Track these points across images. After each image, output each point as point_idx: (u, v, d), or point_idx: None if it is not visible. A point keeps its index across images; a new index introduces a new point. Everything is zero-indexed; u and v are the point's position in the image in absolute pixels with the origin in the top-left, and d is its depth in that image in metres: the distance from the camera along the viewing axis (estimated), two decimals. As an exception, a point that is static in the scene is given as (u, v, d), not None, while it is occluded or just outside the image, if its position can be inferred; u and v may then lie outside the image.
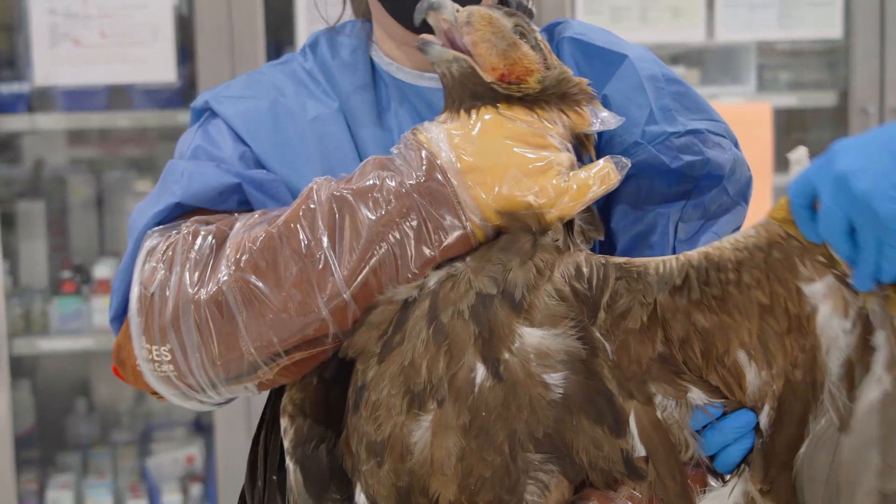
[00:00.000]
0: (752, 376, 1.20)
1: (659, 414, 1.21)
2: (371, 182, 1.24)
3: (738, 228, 1.44)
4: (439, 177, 1.21)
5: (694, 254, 1.21)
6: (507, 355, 1.18)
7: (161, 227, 1.35)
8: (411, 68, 1.50)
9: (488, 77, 1.22)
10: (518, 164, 1.21)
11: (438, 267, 1.23)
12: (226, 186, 1.39)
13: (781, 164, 3.35)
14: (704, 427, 1.22)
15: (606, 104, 1.39)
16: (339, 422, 1.32)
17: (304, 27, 3.07)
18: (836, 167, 1.07)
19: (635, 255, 1.35)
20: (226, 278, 1.24)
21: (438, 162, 1.21)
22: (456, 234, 1.21)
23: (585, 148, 1.29)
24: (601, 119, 1.28)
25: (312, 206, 1.26)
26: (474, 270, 1.21)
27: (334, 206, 1.24)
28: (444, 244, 1.21)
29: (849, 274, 1.14)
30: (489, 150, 1.22)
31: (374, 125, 1.49)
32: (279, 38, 3.18)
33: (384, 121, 1.50)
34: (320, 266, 1.22)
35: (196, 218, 1.35)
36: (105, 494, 3.21)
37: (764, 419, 1.20)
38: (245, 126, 1.47)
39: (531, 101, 1.23)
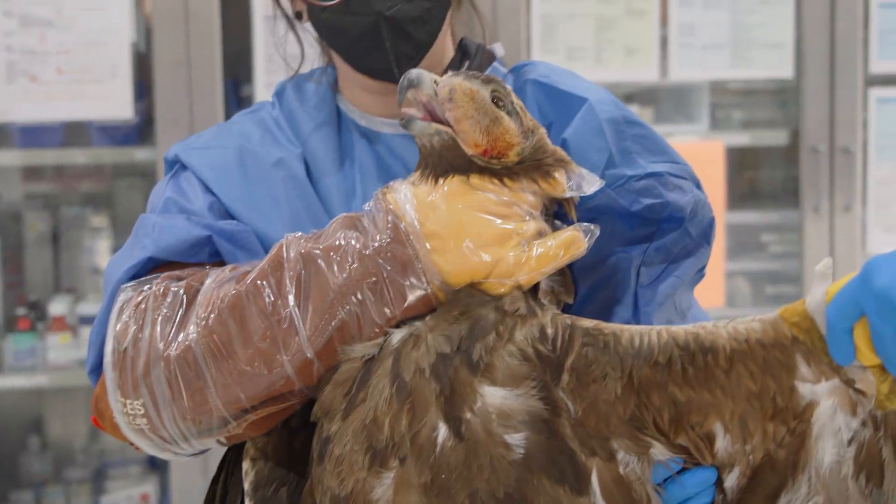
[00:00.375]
0: (724, 444, 1.19)
1: (621, 470, 1.20)
2: (337, 242, 1.24)
3: (702, 270, 1.45)
4: (403, 240, 1.21)
5: (681, 332, 1.19)
6: (468, 415, 1.18)
7: (134, 281, 1.35)
8: (374, 115, 1.51)
9: (470, 150, 1.21)
10: (478, 233, 1.20)
11: (400, 325, 1.22)
12: (196, 239, 1.39)
13: (734, 201, 3.40)
14: (665, 480, 1.21)
15: (566, 148, 1.37)
16: (300, 466, 1.31)
17: (262, 64, 3.08)
18: (876, 285, 1.06)
19: (598, 300, 1.38)
20: (195, 335, 1.24)
21: (402, 225, 1.21)
22: (417, 294, 1.21)
23: (567, 210, 1.28)
24: (576, 185, 1.26)
25: (280, 262, 1.25)
26: (432, 329, 1.20)
27: (301, 264, 1.24)
28: (406, 304, 1.21)
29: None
30: (452, 218, 1.21)
31: (336, 170, 1.50)
32: (237, 75, 3.18)
33: (346, 166, 1.51)
34: (285, 325, 1.22)
35: (168, 274, 1.36)
36: (58, 534, 3.19)
37: (732, 480, 1.20)
38: (212, 175, 1.47)
39: (501, 172, 1.23)
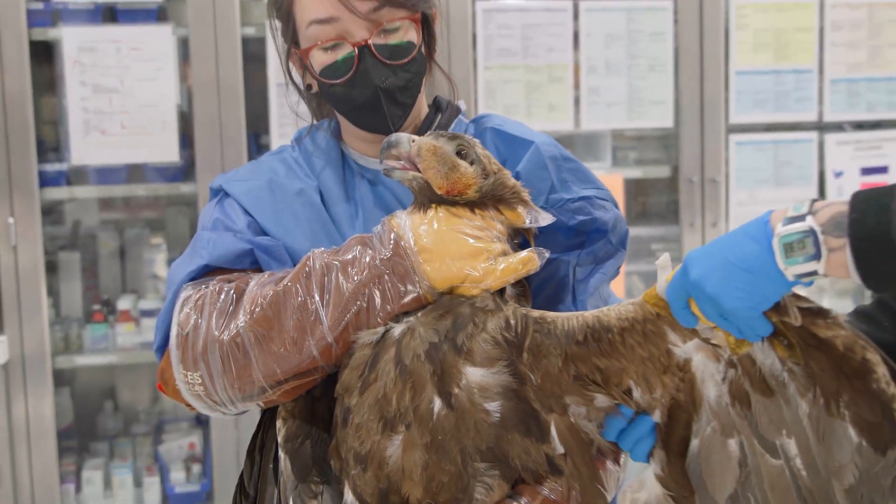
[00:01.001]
0: (638, 395, 1.24)
1: (572, 419, 1.25)
2: (352, 255, 1.28)
3: (618, 269, 1.49)
4: (402, 254, 1.25)
5: (589, 317, 1.25)
6: (456, 390, 1.21)
7: (193, 282, 1.39)
8: (369, 156, 1.53)
9: (438, 191, 1.27)
10: (457, 249, 1.25)
11: (398, 319, 1.26)
12: (241, 251, 1.43)
13: (630, 219, 3.35)
14: (621, 431, 1.26)
15: (518, 178, 1.39)
16: (321, 424, 1.35)
17: (276, 120, 3.11)
18: (691, 276, 1.12)
19: (546, 291, 1.41)
20: (243, 324, 1.29)
21: (402, 243, 1.26)
22: (411, 296, 1.25)
23: (528, 237, 1.33)
24: (534, 218, 1.31)
25: (308, 270, 1.29)
26: (423, 324, 1.24)
27: (325, 271, 1.28)
28: (402, 302, 1.25)
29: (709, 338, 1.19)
30: (438, 238, 1.26)
31: (343, 199, 1.51)
32: (257, 129, 3.20)
33: (350, 195, 1.52)
34: (312, 318, 1.26)
35: (221, 277, 1.38)
36: (127, 474, 3.23)
37: (657, 419, 1.24)
38: (249, 201, 1.50)
39: (474, 204, 1.28)
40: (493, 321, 1.24)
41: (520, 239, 1.33)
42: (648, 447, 1.26)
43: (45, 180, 3.07)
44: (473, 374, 1.22)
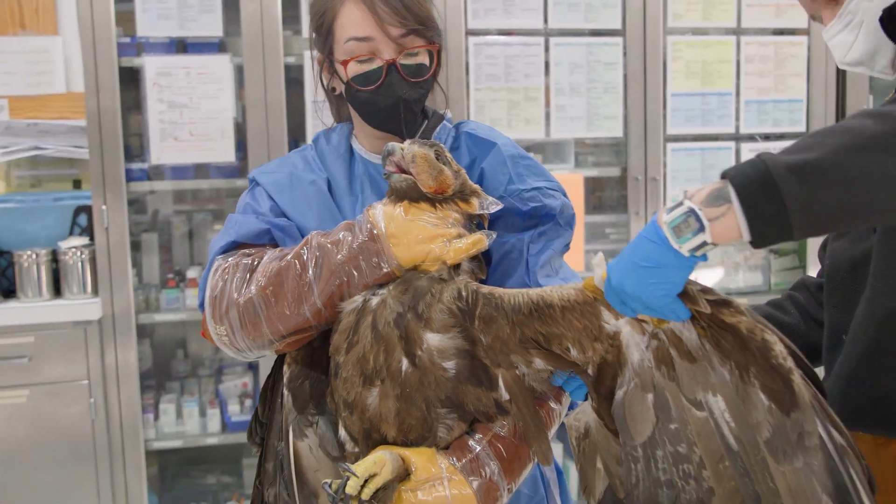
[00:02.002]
0: (575, 354, 1.22)
1: (517, 372, 1.24)
2: (339, 237, 1.27)
3: (567, 245, 1.45)
4: (375, 239, 1.25)
5: (534, 294, 1.22)
6: (419, 352, 1.21)
7: (224, 254, 1.39)
8: (375, 152, 1.50)
9: (425, 190, 1.24)
10: (417, 234, 1.24)
11: (374, 291, 1.25)
12: (261, 230, 1.42)
13: (589, 209, 3.40)
14: (565, 380, 1.25)
15: (483, 173, 1.42)
16: (318, 368, 1.35)
17: (311, 130, 3.07)
18: (613, 283, 1.11)
19: (504, 263, 1.38)
20: (254, 291, 1.29)
21: (375, 231, 1.25)
22: (383, 271, 1.24)
23: (483, 221, 1.32)
24: (485, 205, 1.29)
25: (306, 249, 1.29)
26: (392, 296, 1.23)
27: (317, 250, 1.28)
28: (376, 277, 1.25)
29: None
30: (404, 226, 1.24)
31: (347, 187, 1.49)
32: (296, 136, 3.17)
33: (354, 186, 1.50)
34: (306, 287, 1.26)
35: (242, 252, 1.38)
36: (194, 406, 3.21)
37: (590, 372, 1.22)
38: (273, 189, 1.49)
39: (434, 199, 1.26)
40: (448, 291, 1.22)
41: (476, 220, 1.31)
42: (585, 391, 1.24)
43: (131, 176, 3.04)
44: (433, 339, 1.21)
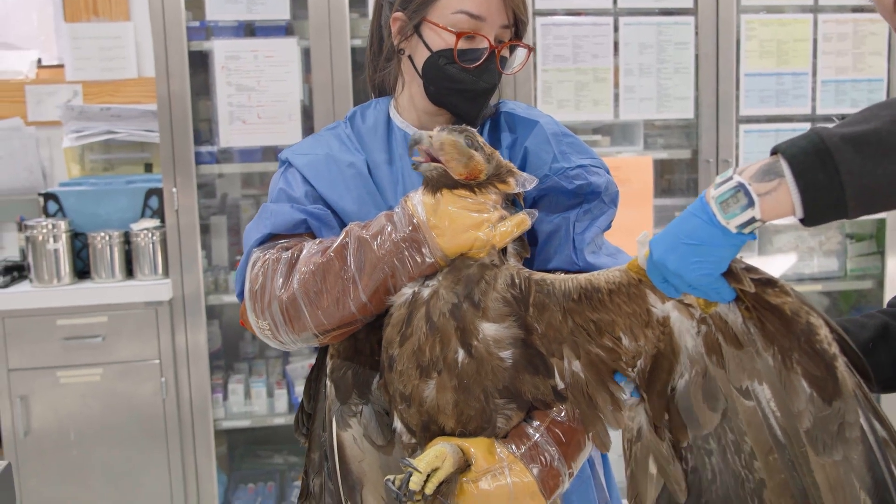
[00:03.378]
0: (627, 343, 1.19)
1: (565, 365, 1.22)
2: (380, 230, 1.24)
3: (609, 223, 1.41)
4: (417, 230, 1.22)
5: (582, 279, 1.20)
6: (475, 342, 1.19)
7: (260, 247, 1.36)
8: (417, 127, 1.45)
9: (457, 177, 1.21)
10: (462, 223, 1.21)
11: (422, 282, 1.22)
12: (297, 221, 1.38)
13: (658, 193, 3.30)
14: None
15: (527, 153, 1.39)
16: (361, 358, 1.33)
17: None
18: (654, 258, 1.07)
19: (552, 243, 1.35)
20: (296, 287, 1.26)
21: (415, 220, 1.22)
22: (427, 262, 1.21)
23: (519, 199, 1.28)
24: (522, 182, 1.26)
25: (345, 243, 1.26)
26: (445, 287, 1.20)
27: (358, 245, 1.25)
28: (420, 269, 1.22)
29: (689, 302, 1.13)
30: (445, 215, 1.21)
31: (388, 171, 1.45)
32: None
33: (393, 161, 1.45)
34: (350, 283, 1.24)
35: (281, 244, 1.34)
36: (262, 386, 3.23)
37: (640, 365, 1.19)
38: (310, 172, 1.44)
39: (475, 185, 1.23)
40: (501, 278, 1.20)
41: (512, 198, 1.29)
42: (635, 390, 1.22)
43: (200, 160, 3.06)
44: (489, 329, 1.19)
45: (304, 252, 1.29)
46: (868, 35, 3.31)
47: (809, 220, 1.00)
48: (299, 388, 3.24)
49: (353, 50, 3.03)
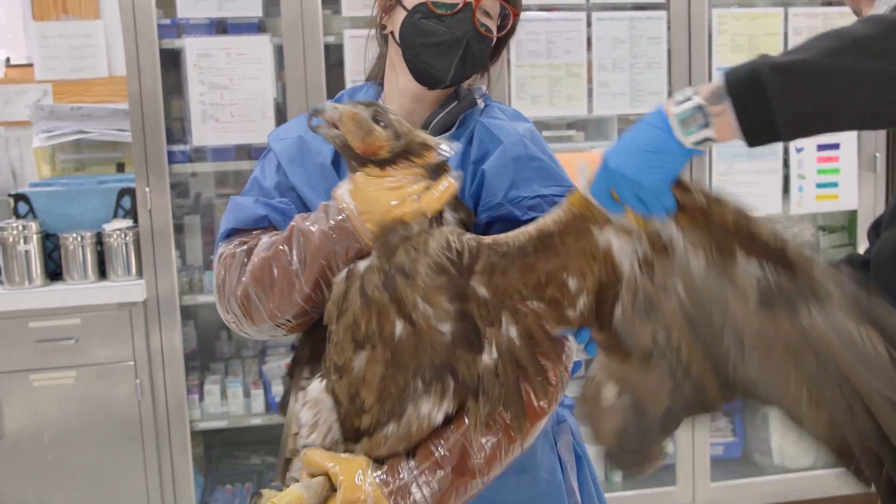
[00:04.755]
0: (573, 285, 1.21)
1: (503, 333, 1.21)
2: (316, 223, 1.25)
3: None
4: (346, 218, 1.22)
5: (532, 229, 1.21)
6: (415, 315, 1.17)
7: (225, 241, 1.39)
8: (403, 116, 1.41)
9: (356, 150, 1.21)
10: (385, 203, 1.20)
11: (355, 264, 1.23)
12: (259, 216, 1.38)
13: None
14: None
15: (483, 176, 1.34)
16: (319, 336, 1.30)
17: None
18: (611, 167, 1.11)
19: None
20: (247, 282, 1.28)
21: (342, 207, 1.23)
22: (358, 247, 1.22)
23: (444, 170, 1.26)
24: (442, 152, 1.24)
25: (289, 236, 1.26)
26: (378, 258, 1.20)
27: (300, 237, 1.25)
28: (354, 253, 1.23)
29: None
30: (367, 198, 1.21)
31: None
32: None
33: None
34: (293, 276, 1.24)
35: (240, 239, 1.36)
36: (238, 387, 3.22)
37: (582, 303, 1.21)
38: (283, 158, 1.44)
39: (386, 163, 1.22)
40: (435, 241, 1.19)
41: (439, 170, 1.26)
42: (587, 335, 1.25)
43: (173, 159, 3.04)
44: (425, 304, 1.18)
45: (258, 247, 1.30)
46: (838, 29, 3.33)
47: (750, 142, 1.08)
48: (276, 388, 3.23)
49: (327, 47, 3.02)
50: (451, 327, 1.18)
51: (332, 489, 1.20)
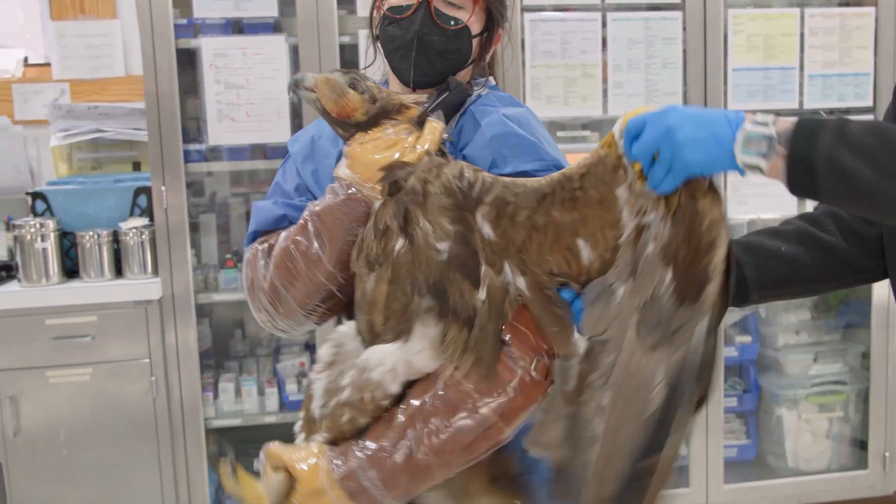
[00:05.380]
0: (587, 253, 1.18)
1: (501, 280, 1.19)
2: (327, 202, 1.28)
3: None
4: (353, 189, 1.26)
5: (557, 174, 1.19)
6: (416, 229, 1.19)
7: (249, 245, 1.43)
8: None
9: (332, 113, 1.24)
10: (379, 155, 1.23)
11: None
12: (277, 216, 1.42)
13: None
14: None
15: (466, 158, 1.33)
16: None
17: None
18: (667, 122, 1.09)
19: None
20: (273, 273, 1.32)
21: (346, 181, 1.27)
22: (369, 209, 1.25)
23: (426, 119, 1.28)
24: (424, 105, 1.28)
25: (304, 222, 1.30)
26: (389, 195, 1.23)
27: (315, 220, 1.29)
28: (362, 209, 1.26)
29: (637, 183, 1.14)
30: (365, 163, 1.24)
31: None
32: None
33: None
34: (315, 258, 1.28)
35: (261, 240, 1.40)
36: (252, 385, 3.24)
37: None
38: (300, 160, 1.48)
39: (371, 124, 1.25)
40: (450, 169, 1.21)
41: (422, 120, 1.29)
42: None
43: (189, 158, 3.06)
44: (427, 221, 1.20)
45: (279, 240, 1.34)
46: (854, 29, 3.31)
47: (792, 193, 1.11)
48: (290, 387, 3.25)
49: (342, 47, 3.03)
50: (450, 248, 1.19)
51: (292, 481, 1.22)
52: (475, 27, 1.42)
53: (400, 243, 1.21)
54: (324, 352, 1.30)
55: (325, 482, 1.20)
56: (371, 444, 1.21)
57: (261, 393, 3.26)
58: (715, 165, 1.10)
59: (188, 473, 3.08)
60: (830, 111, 3.33)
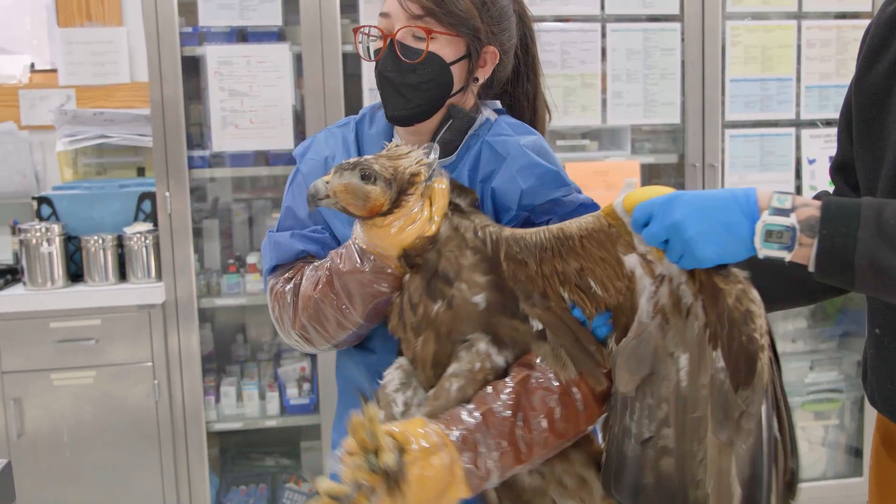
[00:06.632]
0: (597, 290, 1.19)
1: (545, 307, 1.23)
2: (354, 265, 1.29)
3: None
4: (378, 259, 1.27)
5: (554, 228, 1.22)
6: (451, 293, 1.23)
7: (272, 274, 1.45)
8: (405, 140, 1.45)
9: (361, 215, 1.25)
10: (404, 241, 1.25)
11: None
12: (297, 251, 1.43)
13: None
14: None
15: (495, 192, 1.37)
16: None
17: None
18: (675, 216, 1.06)
19: None
20: (304, 319, 1.36)
21: (370, 252, 1.28)
22: (393, 275, 1.28)
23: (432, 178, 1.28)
24: (427, 168, 1.26)
25: (329, 277, 1.32)
26: (414, 280, 1.26)
27: (340, 278, 1.31)
28: (396, 285, 1.29)
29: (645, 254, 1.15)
30: (389, 247, 1.25)
31: None
32: None
33: None
34: (346, 311, 1.32)
35: (286, 276, 1.42)
36: (254, 389, 3.25)
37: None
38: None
39: (394, 206, 1.24)
40: (469, 232, 1.24)
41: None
42: (607, 330, 1.22)
43: (193, 164, 3.08)
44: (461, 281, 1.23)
45: (303, 284, 1.37)
46: (851, 41, 3.34)
47: (820, 278, 1.08)
48: (291, 391, 3.26)
49: (345, 56, 3.05)
50: (486, 297, 1.23)
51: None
52: (448, 54, 1.39)
53: (438, 305, 1.25)
54: (392, 374, 1.33)
55: (438, 441, 1.13)
56: (479, 410, 1.19)
57: (262, 397, 3.28)
58: (729, 257, 1.07)
59: (189, 476, 3.10)
60: (827, 122, 3.35)
